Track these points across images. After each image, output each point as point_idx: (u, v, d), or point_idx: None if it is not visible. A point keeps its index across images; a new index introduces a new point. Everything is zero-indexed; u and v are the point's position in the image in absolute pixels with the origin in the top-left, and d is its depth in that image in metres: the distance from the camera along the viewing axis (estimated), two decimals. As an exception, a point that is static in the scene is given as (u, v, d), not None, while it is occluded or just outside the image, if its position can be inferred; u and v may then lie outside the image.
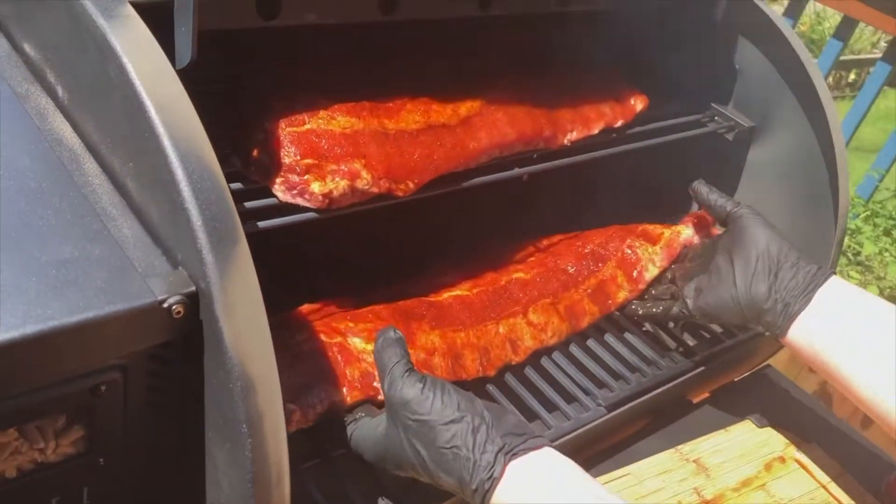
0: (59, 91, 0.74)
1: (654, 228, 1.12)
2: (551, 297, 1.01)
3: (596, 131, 1.06)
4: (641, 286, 1.08)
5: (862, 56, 5.35)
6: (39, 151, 0.68)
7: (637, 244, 1.09)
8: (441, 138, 0.88)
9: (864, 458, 1.05)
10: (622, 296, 1.07)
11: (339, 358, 0.82)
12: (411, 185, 0.85)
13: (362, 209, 0.84)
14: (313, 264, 1.02)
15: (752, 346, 1.15)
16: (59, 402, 0.58)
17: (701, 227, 1.11)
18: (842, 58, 5.58)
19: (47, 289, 0.55)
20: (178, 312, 0.58)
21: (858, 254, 2.47)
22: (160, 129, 0.60)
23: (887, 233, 2.53)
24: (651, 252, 1.08)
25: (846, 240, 2.47)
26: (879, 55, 2.75)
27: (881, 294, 2.29)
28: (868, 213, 2.59)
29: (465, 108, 0.92)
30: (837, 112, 1.12)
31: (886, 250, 2.46)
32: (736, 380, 1.17)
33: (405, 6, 0.86)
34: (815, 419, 1.10)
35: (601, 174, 1.19)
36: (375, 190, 0.82)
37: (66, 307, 0.54)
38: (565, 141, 1.03)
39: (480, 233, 1.12)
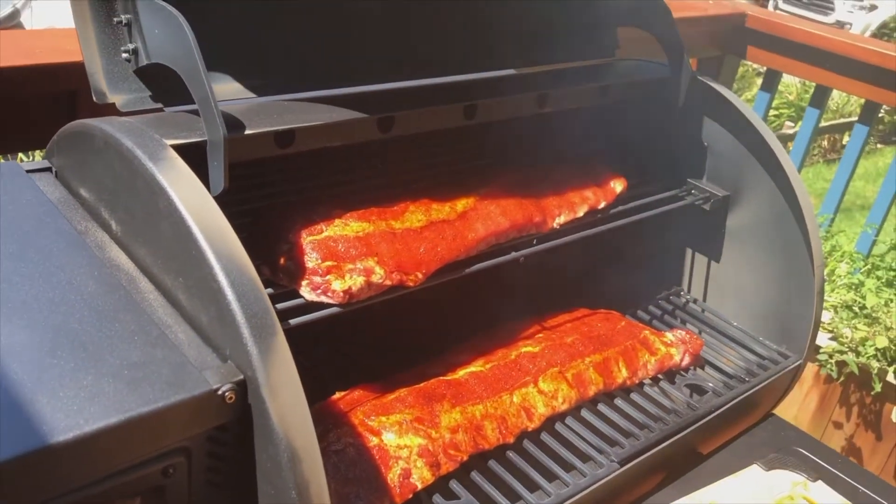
0: (113, 226, 0.87)
1: (653, 341, 1.26)
2: (559, 367, 1.11)
3: (581, 213, 1.18)
4: (635, 379, 1.21)
5: (853, 119, 5.55)
6: (102, 276, 0.80)
7: (638, 346, 1.21)
8: (442, 232, 1.00)
9: (872, 489, 1.12)
10: (620, 378, 1.17)
11: (380, 462, 0.92)
12: (420, 275, 0.97)
13: (379, 301, 0.95)
14: (340, 355, 1.13)
15: (755, 397, 1.23)
16: (135, 484, 0.68)
17: (689, 352, 1.26)
18: (837, 121, 5.79)
19: (123, 386, 0.66)
20: (231, 398, 0.69)
21: (864, 307, 2.53)
22: (205, 247, 0.72)
23: (889, 284, 2.60)
24: (647, 359, 1.22)
25: (851, 294, 2.54)
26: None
27: (891, 344, 2.34)
28: (869, 266, 2.66)
29: (462, 204, 1.05)
30: (801, 178, 1.24)
31: (892, 300, 2.52)
32: (743, 430, 1.25)
33: (400, 123, 1.00)
34: (819, 459, 1.17)
35: (593, 250, 1.31)
36: (389, 283, 0.94)
37: (140, 399, 0.65)
38: (554, 225, 1.15)
39: (489, 314, 1.23)
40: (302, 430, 0.70)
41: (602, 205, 1.22)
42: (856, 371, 2.28)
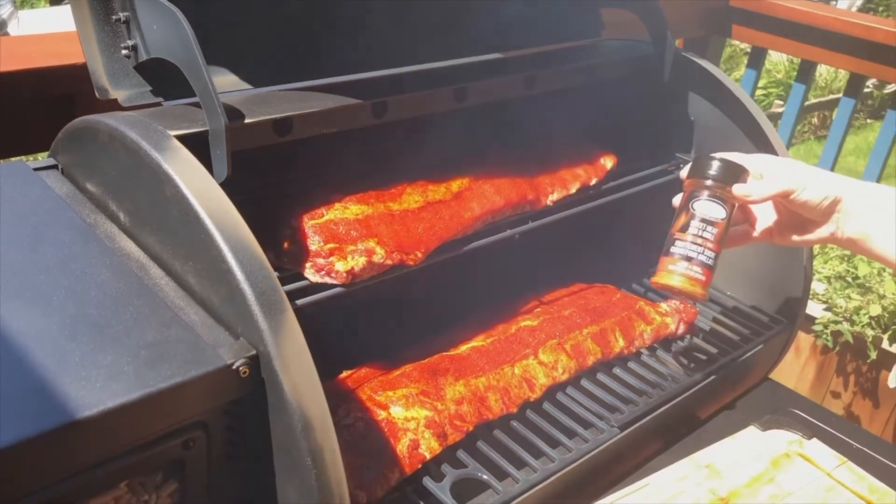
0: (121, 217, 0.90)
1: (649, 311, 1.29)
2: (558, 338, 1.14)
3: (574, 190, 1.21)
4: (632, 349, 1.24)
5: (841, 95, 5.58)
6: (114, 265, 0.83)
7: (634, 317, 1.24)
8: (439, 212, 1.03)
9: (866, 445, 1.15)
10: (618, 347, 1.20)
11: (388, 434, 0.95)
12: (419, 254, 1.00)
13: (381, 280, 0.99)
14: (345, 333, 1.16)
15: (749, 362, 1.27)
16: (157, 458, 0.71)
17: (683, 320, 1.29)
18: (826, 98, 5.81)
19: (141, 364, 0.69)
20: (245, 372, 0.72)
21: (857, 277, 2.57)
22: (213, 230, 0.75)
23: (880, 253, 2.64)
24: (643, 328, 1.25)
25: (844, 265, 2.58)
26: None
27: (884, 312, 2.38)
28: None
29: (457, 184, 1.08)
30: (782, 142, 1.28)
31: (883, 269, 2.56)
32: (739, 394, 1.28)
33: (394, 108, 1.03)
34: (814, 419, 1.20)
35: (587, 227, 1.34)
36: (389, 262, 0.97)
37: (159, 376, 0.68)
38: (548, 202, 1.18)
39: (488, 292, 1.26)
40: (314, 399, 0.73)
41: (594, 181, 1.25)
42: (850, 340, 2.32)
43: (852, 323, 2.37)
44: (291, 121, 0.94)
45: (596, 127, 1.34)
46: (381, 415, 0.96)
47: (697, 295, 0.96)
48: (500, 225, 1.12)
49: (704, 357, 1.25)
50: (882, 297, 2.48)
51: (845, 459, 1.10)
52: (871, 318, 2.39)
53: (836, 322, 2.37)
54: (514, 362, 1.09)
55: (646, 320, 1.25)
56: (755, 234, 1.03)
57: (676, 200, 1.02)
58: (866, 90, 5.69)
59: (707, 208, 0.96)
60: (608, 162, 1.28)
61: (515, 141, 1.23)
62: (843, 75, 5.54)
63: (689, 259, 0.96)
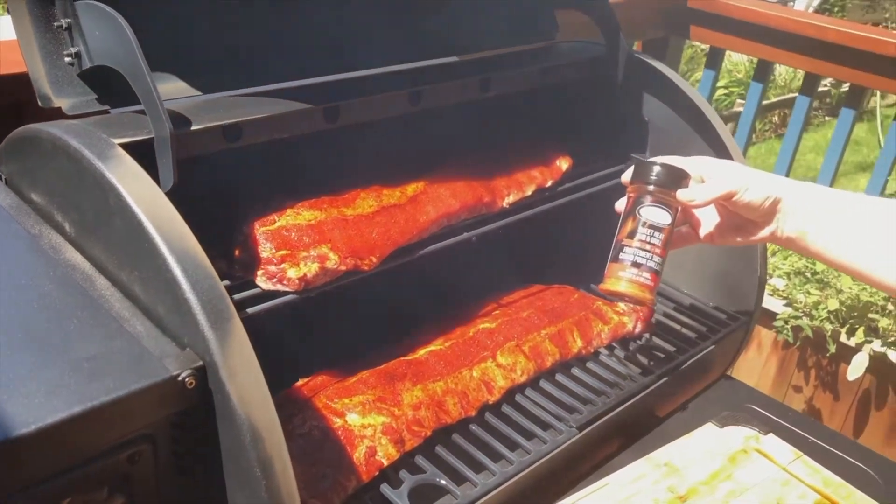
0: (67, 227, 0.88)
1: (606, 311, 1.29)
2: (516, 340, 1.15)
3: (529, 192, 1.22)
4: (590, 349, 1.24)
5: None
6: (58, 276, 0.81)
7: (591, 317, 1.24)
8: (394, 216, 1.03)
9: (822, 438, 1.17)
10: (576, 347, 1.21)
11: (345, 442, 0.94)
12: (374, 259, 0.99)
13: (336, 286, 0.98)
14: (301, 341, 1.15)
15: (706, 359, 1.28)
16: (101, 473, 0.70)
17: (640, 319, 1.30)
18: (786, 96, 5.90)
19: (84, 378, 0.67)
20: (191, 383, 0.71)
21: (815, 273, 2.61)
22: (157, 239, 0.74)
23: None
24: (600, 328, 1.25)
25: (803, 261, 2.61)
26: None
27: (841, 307, 2.42)
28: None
29: (412, 188, 1.07)
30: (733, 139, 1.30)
31: (841, 264, 2.60)
32: (697, 391, 1.29)
33: (346, 113, 1.02)
34: (771, 414, 1.22)
35: (544, 228, 1.34)
36: (343, 268, 0.96)
37: (102, 389, 0.66)
38: (504, 204, 1.18)
39: (446, 296, 1.26)
40: (262, 409, 0.72)
41: (549, 183, 1.25)
42: (810, 334, 2.35)
43: (812, 318, 2.40)
44: (241, 126, 0.93)
45: (552, 129, 1.34)
46: (338, 422, 0.95)
47: (647, 300, 0.97)
48: (456, 228, 1.12)
49: (662, 355, 1.26)
50: (839, 291, 2.51)
51: (801, 454, 1.12)
52: (829, 312, 2.43)
53: (796, 317, 2.40)
54: (472, 365, 1.09)
55: (603, 320, 1.26)
56: (699, 235, 1.04)
57: (620, 205, 1.03)
58: (823, 89, 5.79)
59: (653, 214, 0.97)
60: (564, 163, 1.29)
61: (471, 144, 1.23)
62: (802, 74, 5.63)
63: (637, 265, 0.96)
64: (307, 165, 1.12)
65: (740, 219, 0.98)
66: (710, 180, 0.96)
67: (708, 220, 1.03)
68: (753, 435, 1.15)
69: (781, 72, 5.91)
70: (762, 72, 2.79)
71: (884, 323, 2.31)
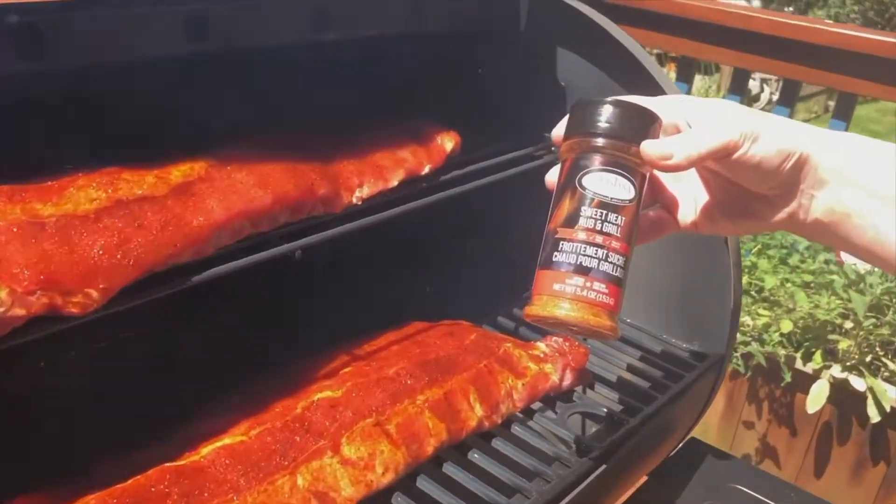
0: None
1: (519, 357, 0.87)
2: (375, 416, 0.71)
3: (395, 182, 0.80)
4: (497, 418, 0.81)
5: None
6: None
7: (497, 368, 0.82)
8: (140, 218, 0.59)
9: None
10: (474, 419, 0.78)
11: None
12: (95, 293, 0.55)
13: (20, 343, 0.53)
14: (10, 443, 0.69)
15: (668, 420, 0.88)
16: None
17: (570, 366, 0.88)
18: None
19: None
20: None
21: (762, 290, 2.30)
22: None
23: (783, 261, 2.39)
24: (511, 384, 0.83)
25: (747, 278, 2.31)
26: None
27: (795, 328, 2.10)
28: (759, 246, 2.45)
29: (180, 172, 0.64)
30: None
31: (787, 280, 2.30)
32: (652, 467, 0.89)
33: (54, 46, 0.58)
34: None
35: (424, 235, 0.93)
36: (22, 312, 0.51)
37: None
38: (353, 199, 0.76)
39: (262, 345, 0.82)
40: None
41: (426, 169, 0.84)
42: (763, 362, 2.03)
43: (762, 343, 2.08)
44: None
45: (431, 96, 0.93)
46: None
47: (604, 329, 0.56)
48: (270, 237, 0.69)
49: (602, 418, 0.84)
50: (790, 310, 2.20)
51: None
52: (781, 335, 2.12)
53: (744, 343, 2.07)
54: (296, 467, 0.65)
55: (515, 371, 0.84)
56: (678, 220, 0.64)
57: (552, 176, 0.63)
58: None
59: (604, 184, 0.57)
60: (448, 142, 0.87)
61: (299, 112, 0.81)
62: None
63: (584, 271, 0.56)
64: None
65: (741, 192, 0.59)
66: (695, 127, 0.57)
67: (690, 196, 0.63)
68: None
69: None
70: (685, 70, 2.51)
71: (844, 344, 1.99)
